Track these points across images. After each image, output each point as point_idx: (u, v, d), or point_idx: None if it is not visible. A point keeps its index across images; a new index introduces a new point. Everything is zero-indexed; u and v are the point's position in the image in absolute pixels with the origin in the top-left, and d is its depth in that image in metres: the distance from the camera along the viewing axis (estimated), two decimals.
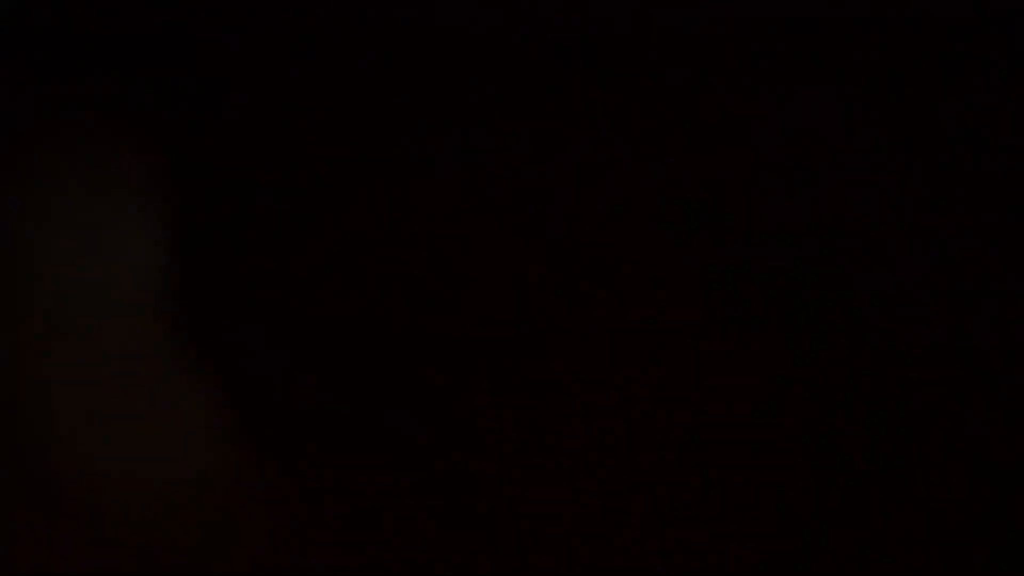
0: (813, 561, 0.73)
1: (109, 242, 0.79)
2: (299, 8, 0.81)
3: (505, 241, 0.78)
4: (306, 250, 0.79)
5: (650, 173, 0.79)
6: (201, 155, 0.80)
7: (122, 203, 0.80)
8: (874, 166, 0.79)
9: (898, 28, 0.79)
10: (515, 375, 0.76)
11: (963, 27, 0.79)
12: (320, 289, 0.78)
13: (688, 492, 0.74)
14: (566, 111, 0.80)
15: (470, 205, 0.79)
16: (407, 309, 0.78)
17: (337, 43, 0.81)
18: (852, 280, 0.78)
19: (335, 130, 0.80)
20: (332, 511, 0.74)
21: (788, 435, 0.75)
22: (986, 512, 0.73)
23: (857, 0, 0.80)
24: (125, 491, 0.75)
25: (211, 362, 0.77)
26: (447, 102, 0.80)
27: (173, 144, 0.80)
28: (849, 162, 0.79)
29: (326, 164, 0.80)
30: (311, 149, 0.80)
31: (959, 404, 0.76)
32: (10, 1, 0.82)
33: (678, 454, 0.75)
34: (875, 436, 0.75)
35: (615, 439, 0.75)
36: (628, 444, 0.75)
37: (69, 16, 0.81)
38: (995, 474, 0.74)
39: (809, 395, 0.76)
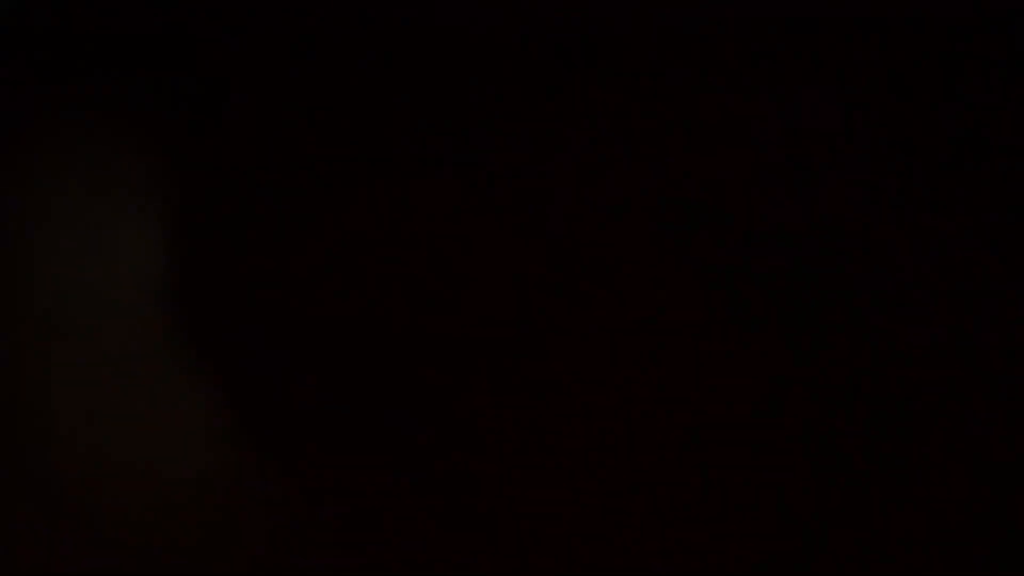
0: (813, 561, 0.73)
1: (109, 242, 0.79)
2: (299, 8, 0.81)
3: (505, 241, 0.78)
4: (306, 250, 0.79)
5: (650, 173, 0.79)
6: (201, 155, 0.80)
7: (122, 203, 0.80)
8: (874, 166, 0.79)
9: (898, 28, 0.79)
10: (515, 375, 0.76)
11: (963, 27, 0.79)
12: (320, 289, 0.78)
13: (688, 492, 0.74)
14: (566, 111, 0.80)
15: (470, 205, 0.79)
16: (407, 309, 0.78)
17: (337, 43, 0.81)
18: (852, 280, 0.78)
19: (335, 130, 0.80)
20: (332, 511, 0.74)
21: (788, 435, 0.75)
22: (986, 512, 0.73)
23: (857, 0, 0.80)
24: (125, 491, 0.75)
25: (211, 362, 0.77)
26: (447, 102, 0.80)
27: (173, 144, 0.80)
28: (849, 162, 0.79)
29: (326, 164, 0.80)
30: (311, 149, 0.80)
31: (959, 404, 0.76)
32: (10, 1, 0.82)
33: (678, 454, 0.75)
34: (875, 436, 0.75)
35: (615, 439, 0.75)
36: (628, 444, 0.75)
37: (69, 16, 0.81)
38: (995, 474, 0.74)
39: (809, 395, 0.76)
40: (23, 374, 0.77)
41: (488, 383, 0.76)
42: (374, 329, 0.78)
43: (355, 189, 0.79)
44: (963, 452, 0.75)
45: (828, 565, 0.73)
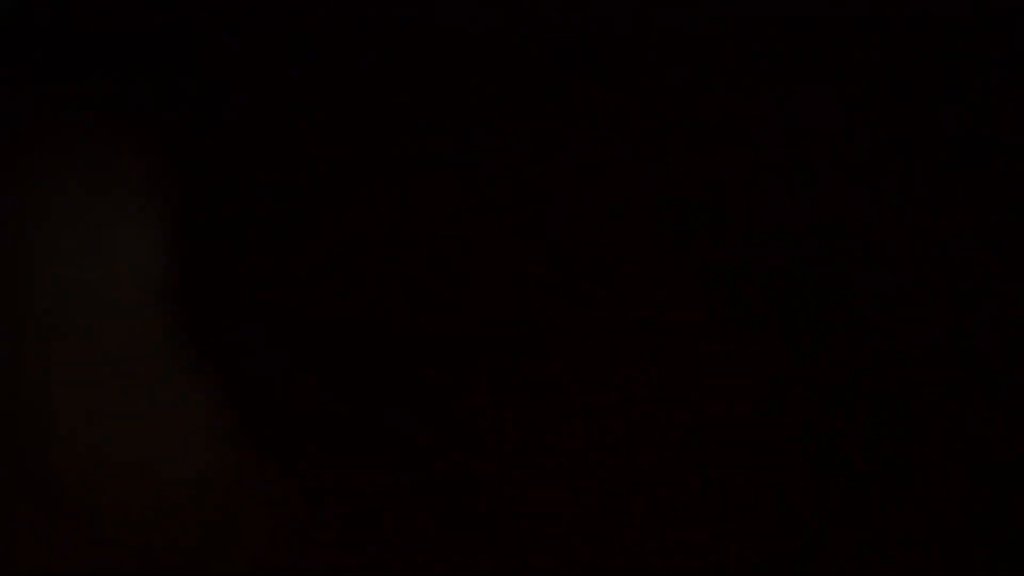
0: (813, 561, 0.73)
1: (109, 242, 0.79)
2: (299, 8, 0.81)
3: (505, 241, 0.78)
4: (306, 250, 0.79)
5: (650, 173, 0.79)
6: (201, 155, 0.80)
7: (122, 203, 0.80)
8: (874, 166, 0.79)
9: (898, 28, 0.79)
10: (515, 375, 0.76)
11: (963, 27, 0.79)
12: (320, 289, 0.78)
13: (688, 492, 0.74)
14: (566, 111, 0.80)
15: (470, 205, 0.79)
16: (407, 309, 0.78)
17: (337, 43, 0.81)
18: (852, 280, 0.78)
19: (335, 130, 0.80)
20: (332, 511, 0.74)
21: (788, 435, 0.75)
22: (986, 512, 0.73)
23: (857, 0, 0.80)
24: (125, 491, 0.75)
25: (211, 362, 0.77)
26: (447, 102, 0.80)
27: (173, 144, 0.80)
28: (849, 162, 0.79)
29: (326, 164, 0.80)
30: (311, 149, 0.80)
31: (959, 404, 0.76)
32: (10, 1, 0.82)
33: (678, 454, 0.75)
34: (875, 436, 0.75)
35: (615, 439, 0.75)
36: (628, 444, 0.75)
37: (69, 16, 0.81)
38: (995, 474, 0.74)
39: (809, 395, 0.76)
40: (23, 374, 0.77)
41: (488, 383, 0.76)
42: (374, 329, 0.78)
43: (355, 189, 0.79)
44: (963, 452, 0.75)
45: (828, 565, 0.73)
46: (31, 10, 0.81)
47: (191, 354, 0.78)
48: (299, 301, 0.78)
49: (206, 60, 0.80)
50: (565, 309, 0.77)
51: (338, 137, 0.80)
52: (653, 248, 0.78)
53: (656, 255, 0.78)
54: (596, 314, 0.77)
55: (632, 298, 0.78)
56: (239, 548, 0.74)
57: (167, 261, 0.79)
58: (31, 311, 0.78)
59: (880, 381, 0.76)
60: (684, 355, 0.77)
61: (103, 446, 0.76)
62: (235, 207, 0.79)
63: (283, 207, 0.79)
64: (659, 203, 0.79)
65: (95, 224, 0.79)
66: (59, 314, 0.78)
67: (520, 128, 0.80)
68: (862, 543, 0.73)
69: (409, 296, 0.78)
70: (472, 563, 0.73)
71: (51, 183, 0.80)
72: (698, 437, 0.75)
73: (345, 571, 0.73)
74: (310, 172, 0.80)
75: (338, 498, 0.75)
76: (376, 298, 0.78)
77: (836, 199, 0.78)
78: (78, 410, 0.77)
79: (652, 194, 0.79)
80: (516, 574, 0.73)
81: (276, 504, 0.74)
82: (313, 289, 0.78)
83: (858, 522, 0.73)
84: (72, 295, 0.79)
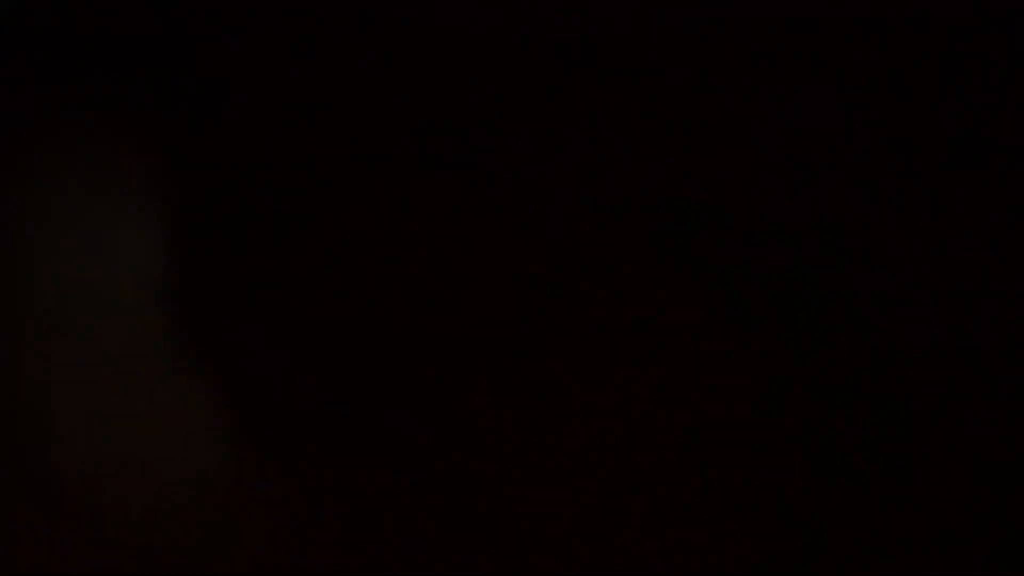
0: (813, 561, 0.73)
1: (109, 242, 0.79)
2: (299, 8, 0.81)
3: (505, 241, 0.78)
4: (306, 250, 0.79)
5: (650, 173, 0.79)
6: (201, 155, 0.80)
7: (122, 203, 0.80)
8: (874, 166, 0.79)
9: (898, 28, 0.79)
10: (515, 375, 0.76)
11: (963, 27, 0.79)
12: (320, 289, 0.78)
13: (688, 492, 0.74)
14: (566, 111, 0.80)
15: (470, 205, 0.79)
16: (407, 309, 0.78)
17: (337, 43, 0.81)
18: (852, 280, 0.78)
19: (335, 130, 0.80)
20: (332, 511, 0.74)
21: (788, 435, 0.75)
22: (986, 512, 0.73)
23: (857, 0, 0.80)
24: (125, 491, 0.75)
25: (211, 362, 0.77)
26: (447, 102, 0.80)
27: (173, 144, 0.80)
28: (849, 162, 0.79)
29: (326, 164, 0.80)
30: (311, 149, 0.80)
31: (959, 404, 0.76)
32: (10, 1, 0.82)
33: (678, 454, 0.75)
34: (875, 436, 0.75)
35: (615, 439, 0.75)
36: (628, 444, 0.75)
37: (69, 16, 0.81)
38: (995, 474, 0.74)
39: (809, 395, 0.76)
40: (23, 374, 0.77)
41: (488, 383, 0.76)
42: (374, 329, 0.78)
43: (355, 189, 0.79)
44: (963, 452, 0.75)
45: (828, 565, 0.73)
46: (31, 10, 0.81)
47: (191, 354, 0.78)
48: (299, 301, 0.78)
49: (206, 60, 0.80)
50: (565, 309, 0.77)
51: (338, 137, 0.80)
52: (653, 248, 0.78)
53: (656, 255, 0.78)
54: (596, 314, 0.77)
55: (632, 298, 0.78)
56: (239, 548, 0.74)
57: (167, 261, 0.79)
58: (31, 311, 0.78)
59: (880, 381, 0.76)
60: (684, 355, 0.77)
61: (103, 446, 0.76)
62: (235, 207, 0.79)
63: (283, 207, 0.79)
64: (659, 203, 0.79)
65: (95, 224, 0.79)
66: (59, 314, 0.78)
67: (520, 128, 0.80)
68: (862, 543, 0.73)
69: (409, 296, 0.78)
70: (472, 563, 0.73)
71: (51, 183, 0.80)
72: (698, 437, 0.75)
73: (345, 571, 0.73)
74: (310, 172, 0.80)
75: (338, 498, 0.75)
76: (376, 298, 0.78)
77: (836, 199, 0.78)
78: (78, 410, 0.77)
79: (652, 194, 0.79)
80: (516, 574, 0.73)
81: (276, 504, 0.74)
82: (313, 289, 0.78)
83: (858, 522, 0.73)
84: (72, 295, 0.79)
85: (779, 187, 0.79)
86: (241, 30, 0.81)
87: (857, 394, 0.76)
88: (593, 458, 0.75)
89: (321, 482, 0.75)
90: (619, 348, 0.77)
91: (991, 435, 0.75)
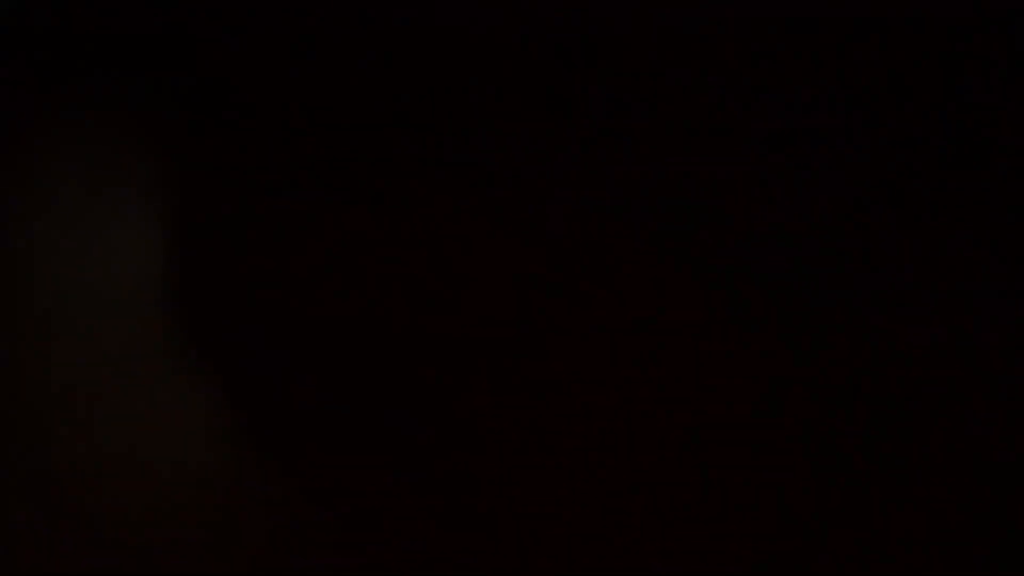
0: (813, 561, 0.73)
1: (109, 242, 0.79)
2: (299, 8, 0.81)
3: (505, 241, 0.78)
4: (306, 250, 0.79)
5: (650, 173, 0.79)
6: (201, 155, 0.80)
7: (122, 203, 0.80)
8: (874, 166, 0.79)
9: (898, 28, 0.79)
10: (515, 375, 0.76)
11: (963, 27, 0.79)
12: (320, 289, 0.78)
13: (688, 492, 0.74)
14: (566, 111, 0.80)
15: (470, 205, 0.79)
16: (407, 309, 0.78)
17: (337, 43, 0.81)
18: (852, 280, 0.78)
19: (335, 130, 0.80)
20: (332, 511, 0.74)
21: (788, 435, 0.75)
22: (986, 512, 0.73)
23: (857, 0, 0.80)
24: (125, 491, 0.75)
25: (211, 362, 0.77)
26: (447, 102, 0.80)
27: (173, 144, 0.80)
28: (849, 162, 0.79)
29: (326, 164, 0.80)
30: (311, 149, 0.80)
31: (959, 404, 0.76)
32: (10, 1, 0.82)
33: (678, 454, 0.75)
34: (875, 436, 0.75)
35: (615, 439, 0.75)
36: (628, 444, 0.75)
37: (69, 16, 0.81)
38: (995, 474, 0.74)
39: (809, 395, 0.76)
40: (23, 374, 0.77)
41: (488, 383, 0.76)
42: (374, 329, 0.78)
43: (355, 189, 0.79)
44: (963, 452, 0.75)
45: (828, 565, 0.73)
46: (31, 10, 0.81)
47: (191, 354, 0.78)
48: (299, 301, 0.78)
49: (206, 60, 0.80)
50: (565, 309, 0.77)
51: (338, 137, 0.80)
52: (653, 248, 0.78)
53: (656, 255, 0.78)
54: (596, 314, 0.77)
55: (632, 298, 0.78)
56: (239, 548, 0.74)
57: (167, 261, 0.79)
58: (31, 311, 0.78)
59: (880, 381, 0.76)
60: (684, 355, 0.77)
61: (103, 446, 0.76)
62: (235, 207, 0.79)
63: (283, 207, 0.79)
64: (659, 203, 0.79)
65: (95, 224, 0.79)
66: (59, 314, 0.78)
67: (520, 128, 0.80)
68: (862, 543, 0.73)
69: (409, 296, 0.78)
70: (472, 563, 0.73)
71: (51, 183, 0.80)
72: (698, 437, 0.75)
73: (345, 571, 0.73)
74: (310, 172, 0.80)
75: (338, 498, 0.75)
76: (376, 298, 0.78)
77: (836, 199, 0.78)
78: (78, 410, 0.77)
79: (652, 194, 0.79)
80: (516, 574, 0.73)
81: (276, 504, 0.74)
82: (313, 289, 0.78)
83: (858, 522, 0.73)
84: (72, 295, 0.79)
85: (779, 187, 0.79)
86: (241, 30, 0.81)
87: (857, 394, 0.76)
88: (593, 458, 0.75)
89: (321, 482, 0.75)
90: (619, 348, 0.77)
91: (991, 435, 0.75)
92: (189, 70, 0.80)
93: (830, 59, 0.79)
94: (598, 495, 0.74)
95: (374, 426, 0.76)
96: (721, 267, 0.78)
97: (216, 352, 0.77)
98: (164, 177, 0.80)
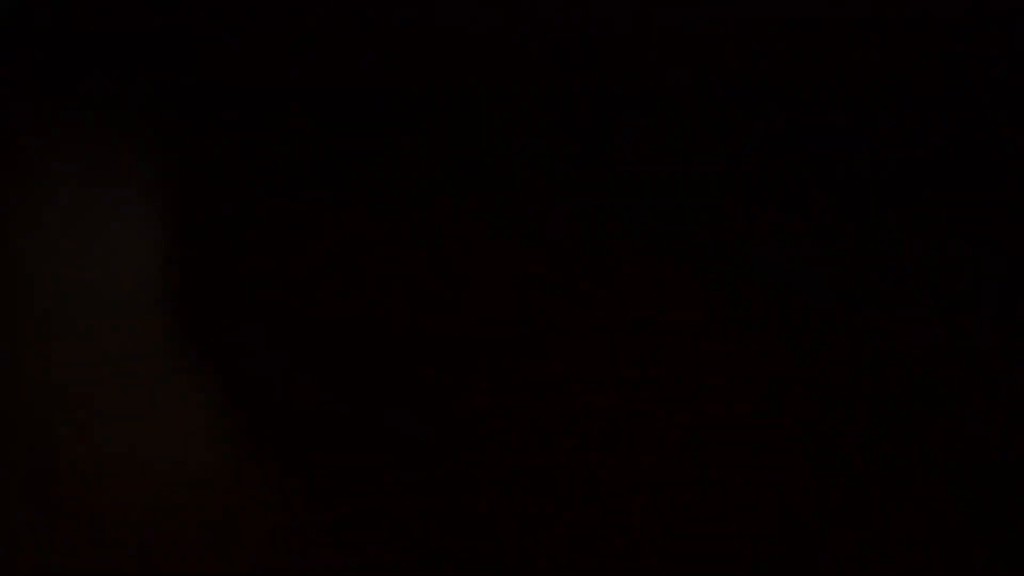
0: (813, 561, 0.73)
1: (109, 242, 0.79)
2: (299, 8, 0.81)
3: (505, 241, 0.78)
4: (306, 250, 0.79)
5: (650, 173, 0.79)
6: (201, 155, 0.80)
7: (122, 203, 0.80)
8: (874, 166, 0.79)
9: (898, 28, 0.79)
10: (515, 375, 0.76)
11: (963, 27, 0.79)
12: (320, 289, 0.78)
13: (688, 492, 0.74)
14: (566, 112, 0.80)
15: (470, 205, 0.79)
16: (407, 309, 0.78)
17: (337, 43, 0.81)
18: (852, 280, 0.78)
19: (335, 130, 0.80)
20: (332, 511, 0.74)
21: (788, 435, 0.75)
22: (986, 512, 0.73)
23: (857, 0, 0.80)
24: (125, 491, 0.75)
25: (211, 362, 0.77)
26: (447, 102, 0.80)
27: (173, 144, 0.80)
28: (848, 162, 0.79)
29: (326, 164, 0.80)
30: (311, 149, 0.80)
31: (959, 404, 0.76)
32: (10, 1, 0.82)
33: (678, 454, 0.75)
34: (875, 436, 0.75)
35: (615, 439, 0.75)
36: (628, 444, 0.75)
37: (69, 16, 0.81)
38: (995, 474, 0.74)
39: (809, 395, 0.76)
40: (23, 374, 0.77)
41: (488, 383, 0.76)
42: (374, 329, 0.78)
43: (355, 189, 0.79)
44: (963, 452, 0.75)
45: (828, 565, 0.73)
46: (31, 10, 0.81)
47: (191, 354, 0.78)
48: (299, 301, 0.78)
49: (206, 60, 0.80)
50: (565, 309, 0.77)
51: (338, 137, 0.80)
52: (653, 248, 0.78)
53: (656, 255, 0.78)
54: (596, 314, 0.77)
55: (632, 298, 0.78)
56: (239, 548, 0.74)
57: (167, 261, 0.79)
58: (31, 311, 0.78)
59: (880, 381, 0.76)
60: (684, 355, 0.77)
61: (103, 446, 0.76)
62: (235, 207, 0.79)
63: (283, 207, 0.79)
64: (659, 203, 0.79)
65: (95, 224, 0.79)
66: (59, 314, 0.78)
67: (520, 128, 0.80)
68: (862, 543, 0.73)
69: (409, 296, 0.78)
70: (472, 563, 0.73)
71: (51, 183, 0.80)
72: (698, 437, 0.75)
73: (345, 571, 0.73)
74: (310, 172, 0.80)
75: (338, 498, 0.75)
76: (376, 298, 0.78)
77: (835, 199, 0.78)
78: (78, 410, 0.77)
79: (652, 194, 0.79)
80: (516, 574, 0.73)
81: (276, 504, 0.74)
82: (313, 289, 0.78)
83: (858, 522, 0.73)
84: (72, 295, 0.79)
85: (779, 186, 0.79)
86: (241, 30, 0.81)
87: (857, 394, 0.76)
88: (593, 458, 0.75)
89: (321, 482, 0.75)
90: (619, 348, 0.77)
91: (991, 435, 0.75)
92: (189, 70, 0.80)
93: (830, 59, 0.79)
94: (598, 495, 0.74)
95: (374, 426, 0.76)
96: (721, 267, 0.78)
97: (216, 352, 0.77)
98: (164, 177, 0.80)
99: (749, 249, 0.78)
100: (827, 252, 0.78)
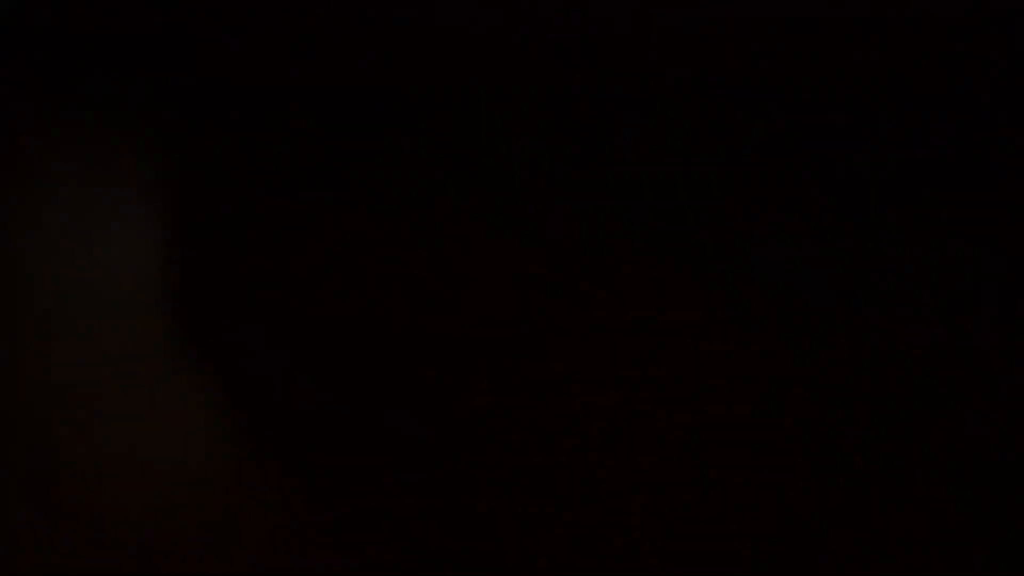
0: (813, 561, 0.73)
1: (109, 242, 0.79)
2: (299, 8, 0.81)
3: (505, 241, 0.78)
4: (306, 250, 0.79)
5: (650, 173, 0.79)
6: (201, 155, 0.80)
7: (122, 203, 0.80)
8: (873, 166, 0.79)
9: (898, 28, 0.79)
10: (515, 375, 0.76)
11: (963, 27, 0.79)
12: (320, 289, 0.78)
13: (688, 492, 0.74)
14: (566, 112, 0.80)
15: (470, 205, 0.79)
16: (407, 309, 0.78)
17: (337, 43, 0.81)
18: (852, 280, 0.78)
19: (335, 130, 0.80)
20: (332, 511, 0.74)
21: (788, 435, 0.75)
22: (986, 512, 0.73)
23: (857, 0, 0.80)
24: (125, 491, 0.75)
25: (211, 362, 0.77)
26: (447, 102, 0.80)
27: (173, 144, 0.80)
28: (848, 162, 0.79)
29: (326, 164, 0.80)
30: (311, 149, 0.80)
31: (959, 404, 0.76)
32: (10, 1, 0.82)
33: (678, 454, 0.75)
34: (875, 436, 0.75)
35: (615, 439, 0.75)
36: (628, 444, 0.75)
37: (69, 16, 0.81)
38: (995, 474, 0.74)
39: (809, 395, 0.76)
40: (23, 374, 0.77)
41: (488, 383, 0.76)
42: (374, 329, 0.78)
43: (355, 189, 0.79)
44: (963, 452, 0.75)
45: (828, 565, 0.73)
46: (31, 10, 0.81)
47: (191, 354, 0.78)
48: (299, 301, 0.78)
49: (206, 60, 0.80)
50: (565, 309, 0.77)
51: (338, 137, 0.80)
52: (653, 248, 0.78)
53: (656, 255, 0.78)
54: (596, 314, 0.77)
55: (632, 298, 0.78)
56: (239, 548, 0.74)
57: (167, 261, 0.79)
58: (31, 311, 0.78)
59: (880, 381, 0.76)
60: (684, 355, 0.77)
61: (103, 446, 0.76)
62: (235, 207, 0.79)
63: (283, 207, 0.79)
64: (659, 203, 0.79)
65: (95, 224, 0.79)
66: (59, 314, 0.78)
67: (520, 128, 0.80)
68: (862, 543, 0.73)
69: (409, 296, 0.78)
70: (472, 563, 0.73)
71: (51, 183, 0.80)
72: (698, 437, 0.75)
73: (345, 571, 0.73)
74: (310, 172, 0.80)
75: (338, 498, 0.75)
76: (376, 298, 0.78)
77: (835, 200, 0.78)
78: (78, 410, 0.77)
79: (652, 194, 0.79)
80: (516, 574, 0.73)
81: (276, 504, 0.74)
82: (313, 289, 0.78)
83: (858, 522, 0.73)
84: (72, 295, 0.79)
85: (779, 186, 0.79)
86: (241, 30, 0.81)
87: (857, 394, 0.76)
88: (593, 458, 0.75)
89: (321, 482, 0.75)
90: (619, 348, 0.77)
91: (991, 435, 0.75)
92: (189, 70, 0.80)
93: (830, 59, 0.79)
94: (598, 495, 0.74)
95: (374, 426, 0.76)
96: (721, 267, 0.78)
97: (216, 352, 0.77)
98: (164, 177, 0.80)
99: (749, 249, 0.78)
100: (827, 252, 0.78)
